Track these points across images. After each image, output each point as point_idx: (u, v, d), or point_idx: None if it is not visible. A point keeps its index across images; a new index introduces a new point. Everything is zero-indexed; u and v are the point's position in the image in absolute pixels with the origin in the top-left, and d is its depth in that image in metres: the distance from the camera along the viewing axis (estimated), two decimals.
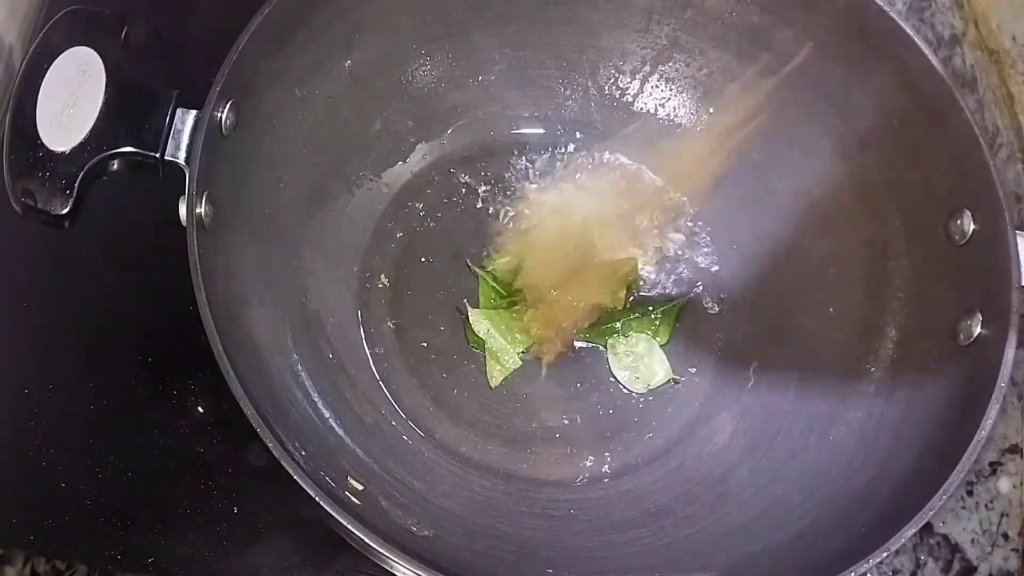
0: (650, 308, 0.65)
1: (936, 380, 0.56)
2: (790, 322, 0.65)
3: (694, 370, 0.66)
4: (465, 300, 0.65)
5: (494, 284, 0.65)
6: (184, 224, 0.50)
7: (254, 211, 0.59)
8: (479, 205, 0.69)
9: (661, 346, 0.65)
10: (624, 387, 0.64)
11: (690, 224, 0.69)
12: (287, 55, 0.59)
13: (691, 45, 0.68)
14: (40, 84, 0.51)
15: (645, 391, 0.64)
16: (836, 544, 0.52)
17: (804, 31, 0.63)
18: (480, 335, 0.64)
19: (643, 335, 0.65)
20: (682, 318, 0.66)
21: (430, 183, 0.69)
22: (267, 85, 0.58)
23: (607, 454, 0.63)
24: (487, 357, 0.64)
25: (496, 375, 0.63)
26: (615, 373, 0.64)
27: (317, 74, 0.62)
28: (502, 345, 0.64)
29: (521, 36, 0.68)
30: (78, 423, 0.62)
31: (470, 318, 0.64)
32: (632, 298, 0.67)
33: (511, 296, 0.65)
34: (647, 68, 0.70)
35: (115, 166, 0.52)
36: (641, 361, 0.64)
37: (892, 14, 0.58)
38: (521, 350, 0.64)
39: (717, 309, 0.67)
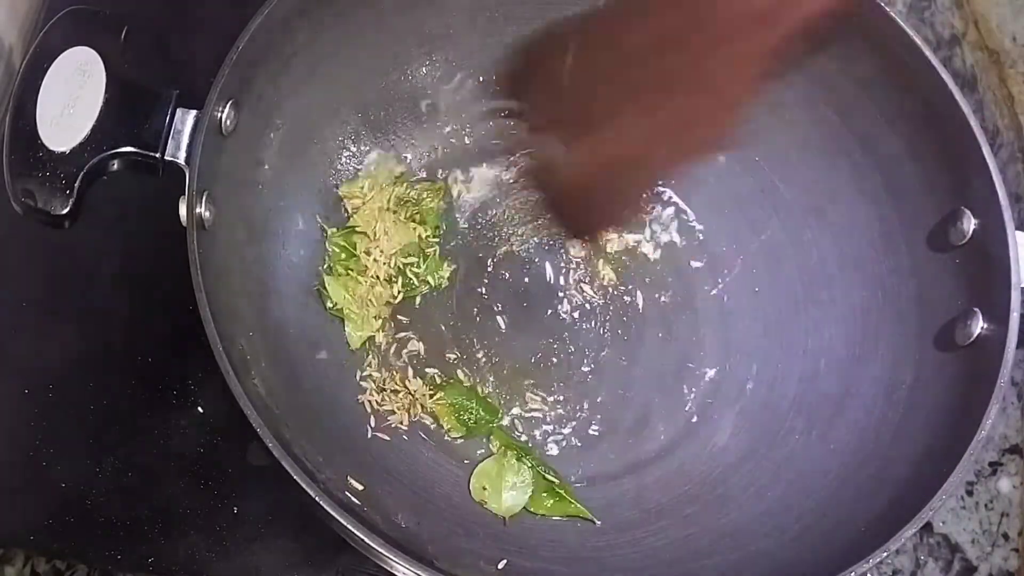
0: (532, 463, 0.61)
1: (936, 380, 0.56)
2: (790, 321, 0.65)
3: (697, 370, 0.66)
4: (320, 268, 0.64)
5: (344, 246, 0.64)
6: (184, 224, 0.50)
7: (254, 211, 0.59)
8: (479, 204, 0.69)
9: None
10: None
11: (690, 224, 0.69)
12: (287, 55, 0.59)
13: None
14: (40, 84, 0.51)
15: (479, 501, 0.61)
16: (836, 544, 0.52)
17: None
18: (337, 302, 0.63)
19: (527, 469, 0.61)
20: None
21: (431, 184, 0.69)
22: (267, 85, 0.58)
23: (607, 454, 0.63)
24: (346, 322, 0.63)
25: (356, 339, 0.63)
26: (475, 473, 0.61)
27: (317, 74, 0.62)
28: (360, 312, 0.63)
29: (522, 35, 0.68)
30: (78, 423, 0.62)
31: (326, 286, 0.63)
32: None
33: (358, 262, 0.64)
34: None
35: (115, 166, 0.52)
36: (507, 485, 0.60)
37: (892, 14, 0.58)
38: (376, 314, 0.64)
39: (717, 309, 0.67)
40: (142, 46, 0.55)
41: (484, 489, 0.60)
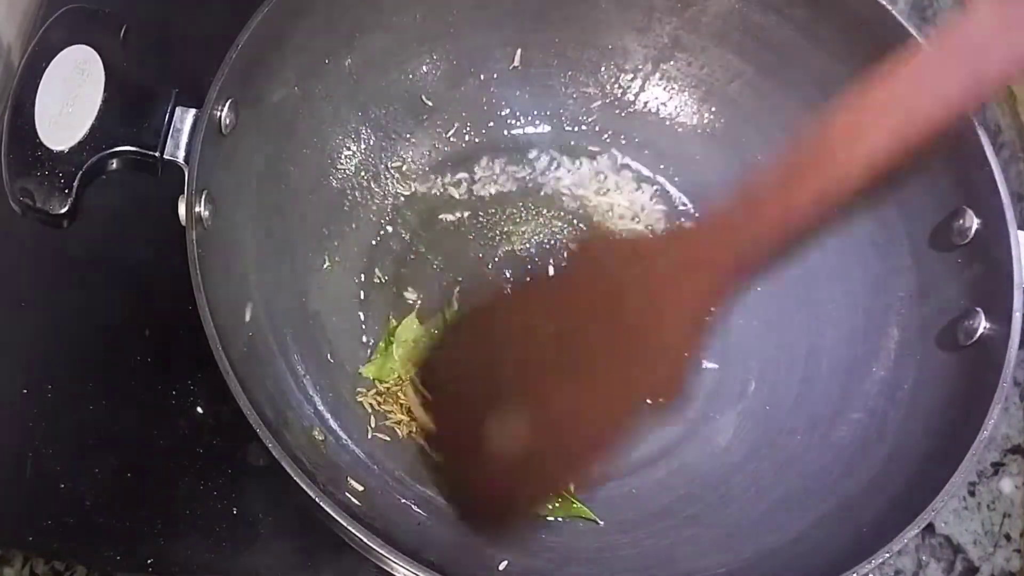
0: None
1: (938, 380, 0.56)
2: (792, 321, 0.65)
3: (698, 369, 0.65)
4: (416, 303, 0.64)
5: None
6: (183, 223, 0.50)
7: (254, 211, 0.59)
8: (480, 205, 0.68)
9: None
10: None
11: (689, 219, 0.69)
12: (287, 53, 0.58)
13: (693, 43, 0.67)
14: (39, 83, 0.51)
15: None
16: (838, 545, 0.52)
17: (806, 29, 0.63)
18: (396, 338, 0.62)
19: None
20: None
21: (431, 183, 0.69)
22: (267, 84, 0.58)
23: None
24: (382, 351, 0.63)
25: (371, 371, 0.62)
26: None
27: (317, 73, 0.62)
28: (396, 359, 0.62)
29: (522, 34, 0.68)
30: (78, 423, 0.62)
31: (406, 320, 0.63)
32: None
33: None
34: (648, 67, 0.69)
35: (114, 165, 0.52)
36: None
37: (894, 13, 0.58)
38: (406, 377, 0.62)
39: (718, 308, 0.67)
40: (141, 45, 0.55)
41: None
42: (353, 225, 0.66)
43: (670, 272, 0.47)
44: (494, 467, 0.51)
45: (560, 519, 0.60)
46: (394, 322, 0.64)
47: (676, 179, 0.70)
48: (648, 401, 0.49)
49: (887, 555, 0.47)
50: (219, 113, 0.53)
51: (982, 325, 0.54)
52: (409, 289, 0.66)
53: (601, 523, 0.60)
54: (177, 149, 0.52)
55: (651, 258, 0.49)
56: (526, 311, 0.53)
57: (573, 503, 0.60)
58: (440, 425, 0.54)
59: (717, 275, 0.46)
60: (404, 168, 0.69)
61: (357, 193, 0.67)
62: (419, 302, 0.65)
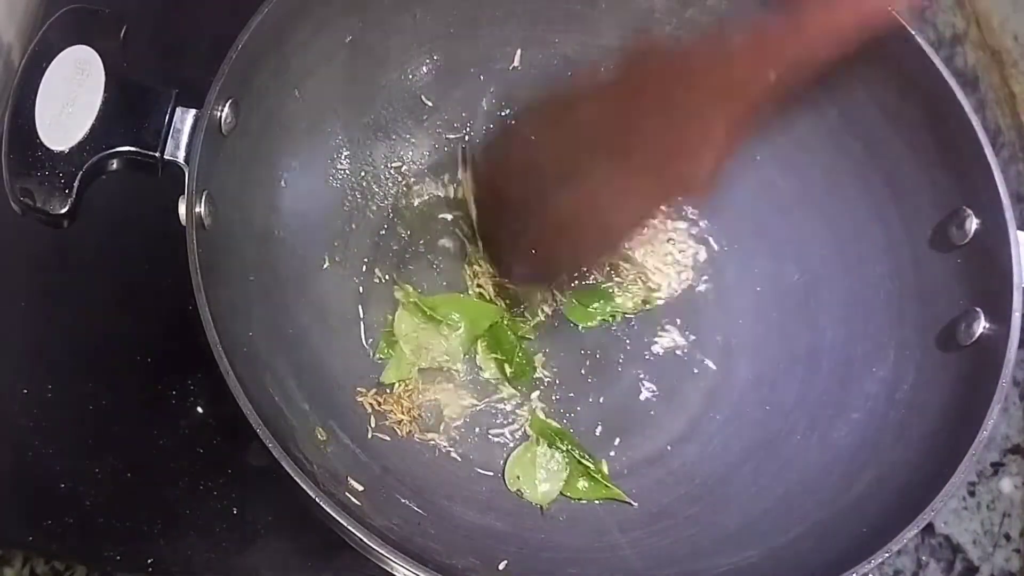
0: (567, 447, 0.61)
1: (938, 380, 0.56)
2: (792, 321, 0.65)
3: (698, 370, 0.65)
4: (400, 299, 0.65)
5: (416, 303, 0.64)
6: (184, 223, 0.50)
7: (254, 211, 0.59)
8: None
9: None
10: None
11: (692, 221, 0.69)
12: (287, 54, 0.58)
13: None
14: (39, 83, 0.51)
15: (515, 491, 0.61)
16: (838, 545, 0.52)
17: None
18: (398, 335, 0.63)
19: (562, 457, 0.61)
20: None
21: (431, 183, 0.69)
22: (267, 84, 0.58)
23: (608, 454, 0.63)
24: (392, 356, 0.63)
25: (391, 375, 0.63)
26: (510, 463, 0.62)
27: (317, 73, 0.62)
28: (407, 354, 0.63)
29: (522, 34, 0.68)
30: (78, 423, 0.62)
31: (396, 316, 0.63)
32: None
33: (432, 316, 0.64)
34: None
35: (114, 165, 0.52)
36: (540, 472, 0.61)
37: (894, 13, 0.57)
38: (424, 366, 0.63)
39: (718, 309, 0.67)
40: (141, 45, 0.56)
41: (518, 478, 0.60)
42: (353, 225, 0.66)
43: (716, 73, 0.51)
44: (534, 233, 0.56)
45: (561, 519, 0.60)
46: (392, 319, 0.64)
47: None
48: (682, 192, 0.55)
49: (887, 555, 0.47)
50: (219, 113, 0.53)
51: (981, 325, 0.54)
52: (412, 287, 0.66)
53: (635, 504, 0.60)
54: (177, 149, 0.52)
55: (699, 59, 0.53)
56: (574, 102, 0.57)
57: (606, 486, 0.60)
58: (488, 196, 0.61)
59: (760, 77, 0.50)
60: (404, 168, 0.69)
61: (357, 193, 0.67)
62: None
